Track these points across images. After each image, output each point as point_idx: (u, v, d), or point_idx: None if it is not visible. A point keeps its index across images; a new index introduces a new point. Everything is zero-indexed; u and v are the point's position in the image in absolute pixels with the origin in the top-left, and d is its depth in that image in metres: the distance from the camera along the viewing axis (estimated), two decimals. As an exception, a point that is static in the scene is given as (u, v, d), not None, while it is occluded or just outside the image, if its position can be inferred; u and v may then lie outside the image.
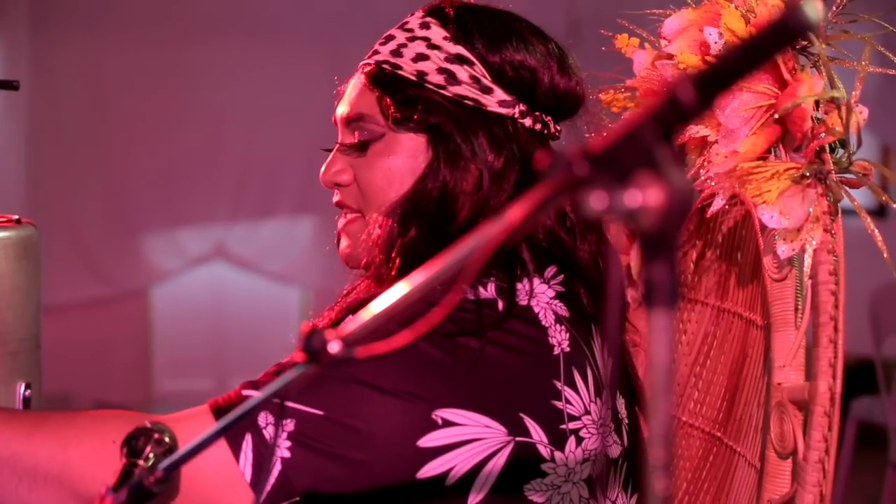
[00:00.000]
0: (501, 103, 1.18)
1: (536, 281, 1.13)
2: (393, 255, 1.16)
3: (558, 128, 1.24)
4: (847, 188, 1.21)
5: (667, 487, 0.59)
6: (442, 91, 1.18)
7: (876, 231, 1.21)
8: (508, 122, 1.19)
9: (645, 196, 0.57)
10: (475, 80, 1.18)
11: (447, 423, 1.05)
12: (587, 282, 1.17)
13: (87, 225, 5.51)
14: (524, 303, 1.11)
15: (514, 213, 0.64)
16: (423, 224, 1.16)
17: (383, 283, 1.17)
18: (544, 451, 1.08)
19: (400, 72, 1.19)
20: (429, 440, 1.05)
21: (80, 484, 1.06)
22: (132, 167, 5.50)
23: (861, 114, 1.21)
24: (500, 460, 1.06)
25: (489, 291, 1.10)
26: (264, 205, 5.68)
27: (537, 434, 1.08)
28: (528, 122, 1.20)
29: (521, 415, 1.07)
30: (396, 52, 1.21)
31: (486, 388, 1.07)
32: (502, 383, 1.08)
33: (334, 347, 0.74)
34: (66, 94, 5.40)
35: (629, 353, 1.33)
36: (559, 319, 1.12)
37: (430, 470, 1.05)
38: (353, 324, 0.73)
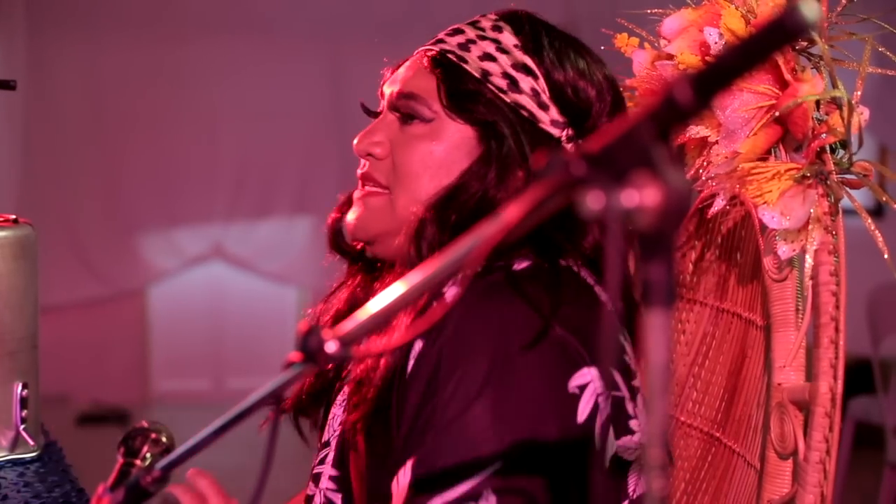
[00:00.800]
0: (554, 123, 1.17)
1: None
2: (423, 245, 1.14)
3: None
4: (848, 189, 1.21)
5: (664, 487, 0.59)
6: (502, 95, 1.17)
7: (876, 232, 1.21)
8: (554, 143, 1.18)
9: (642, 196, 0.57)
10: (535, 93, 1.17)
11: (582, 389, 1.03)
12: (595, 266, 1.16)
13: (84, 224, 5.51)
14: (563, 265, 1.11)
15: (511, 212, 0.64)
16: (459, 220, 1.14)
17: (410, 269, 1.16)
18: (630, 407, 1.07)
19: (465, 65, 1.18)
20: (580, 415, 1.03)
21: None
22: (129, 167, 5.50)
23: (862, 114, 1.21)
24: (605, 413, 1.05)
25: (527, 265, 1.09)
26: (261, 204, 5.68)
27: (624, 389, 1.07)
28: (570, 147, 1.19)
29: (610, 368, 1.06)
30: (464, 46, 1.20)
31: (588, 343, 1.05)
32: (590, 337, 1.05)
33: (331, 347, 0.74)
34: (62, 94, 5.40)
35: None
36: (596, 281, 1.12)
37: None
38: (350, 323, 0.73)
